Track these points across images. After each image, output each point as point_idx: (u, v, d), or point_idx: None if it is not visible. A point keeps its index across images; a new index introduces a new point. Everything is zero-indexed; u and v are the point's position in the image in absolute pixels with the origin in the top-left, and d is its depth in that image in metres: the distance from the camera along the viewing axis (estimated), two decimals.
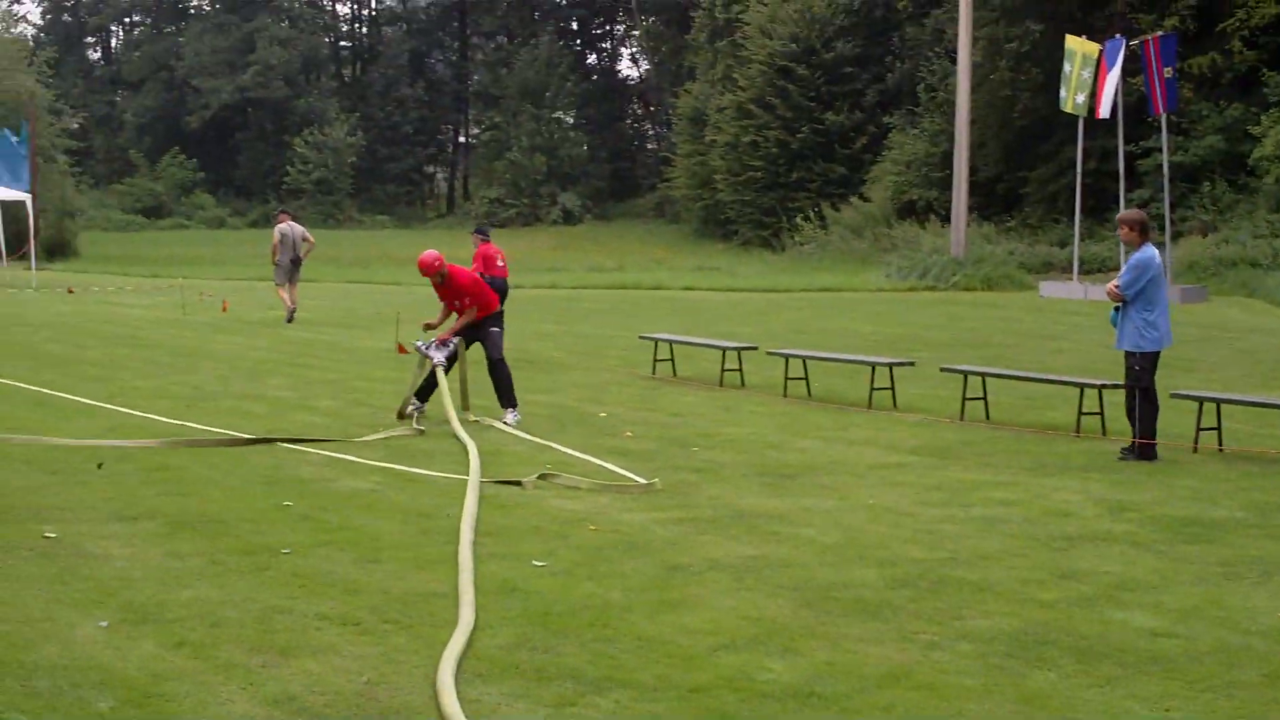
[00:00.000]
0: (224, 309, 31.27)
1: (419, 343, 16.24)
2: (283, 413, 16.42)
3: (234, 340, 24.98)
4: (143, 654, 7.41)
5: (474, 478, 12.09)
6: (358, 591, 8.67)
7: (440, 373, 15.73)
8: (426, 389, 15.92)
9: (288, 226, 29.37)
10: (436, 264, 16.01)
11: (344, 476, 12.50)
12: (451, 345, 15.98)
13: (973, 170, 44.95)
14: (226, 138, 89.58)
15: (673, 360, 20.55)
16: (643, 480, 12.31)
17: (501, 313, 17.26)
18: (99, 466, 12.51)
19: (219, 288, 39.19)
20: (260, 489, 11.85)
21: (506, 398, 15.86)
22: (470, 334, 16.23)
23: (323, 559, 9.47)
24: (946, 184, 46.58)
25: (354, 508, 11.18)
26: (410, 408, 15.75)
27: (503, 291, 24.32)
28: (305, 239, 29.60)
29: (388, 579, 8.98)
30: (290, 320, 28.23)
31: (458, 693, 6.81)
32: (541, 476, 12.35)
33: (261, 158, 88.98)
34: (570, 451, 13.87)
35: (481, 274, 23.69)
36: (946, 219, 45.76)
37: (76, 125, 64.27)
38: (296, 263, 29.26)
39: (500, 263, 24.16)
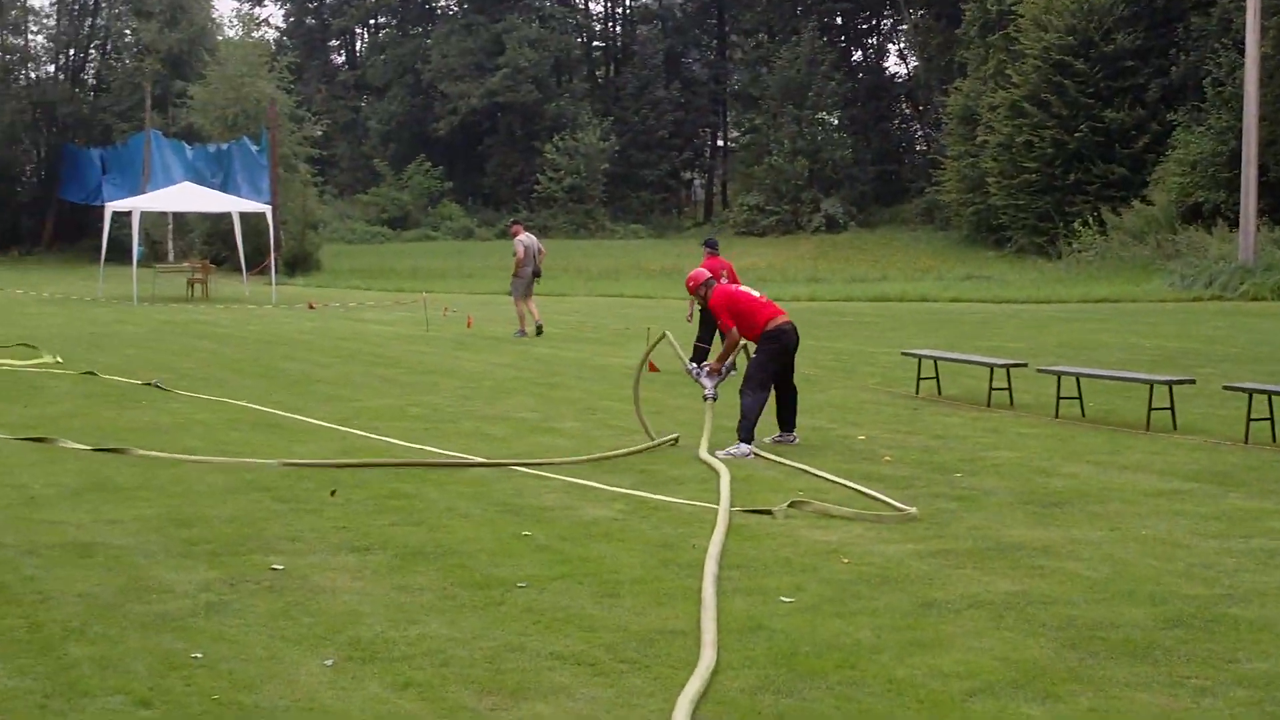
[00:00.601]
0: (468, 325, 31.93)
1: (691, 366, 16.30)
2: (524, 435, 16.66)
3: (477, 358, 25.48)
4: (367, 695, 7.56)
5: (724, 506, 12.09)
6: (594, 629, 8.72)
7: (709, 406, 15.67)
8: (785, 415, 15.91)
9: (529, 238, 29.99)
10: (690, 285, 16.28)
11: (586, 504, 12.61)
12: (725, 373, 15.90)
13: (1263, 170, 43.40)
14: (474, 144, 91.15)
15: (937, 378, 20.29)
16: (901, 506, 12.16)
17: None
18: (332, 494, 12.86)
19: (464, 302, 40.05)
20: (499, 517, 12.03)
21: (741, 429, 15.52)
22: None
23: (560, 593, 9.55)
24: (1235, 185, 45.02)
25: (595, 537, 11.27)
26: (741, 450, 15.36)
27: None
28: (541, 250, 30.24)
29: (626, 615, 9.01)
30: (539, 333, 28.87)
31: None
32: (793, 504, 12.29)
33: (510, 165, 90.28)
34: (826, 476, 13.78)
35: None
36: (1235, 223, 44.27)
37: (319, 133, 66.20)
38: (537, 274, 29.90)
39: (723, 278, 24.27)
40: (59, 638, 8.49)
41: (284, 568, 10.19)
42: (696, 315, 23.81)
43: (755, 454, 15.10)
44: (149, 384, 21.09)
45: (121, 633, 8.60)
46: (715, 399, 15.69)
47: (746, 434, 15.24)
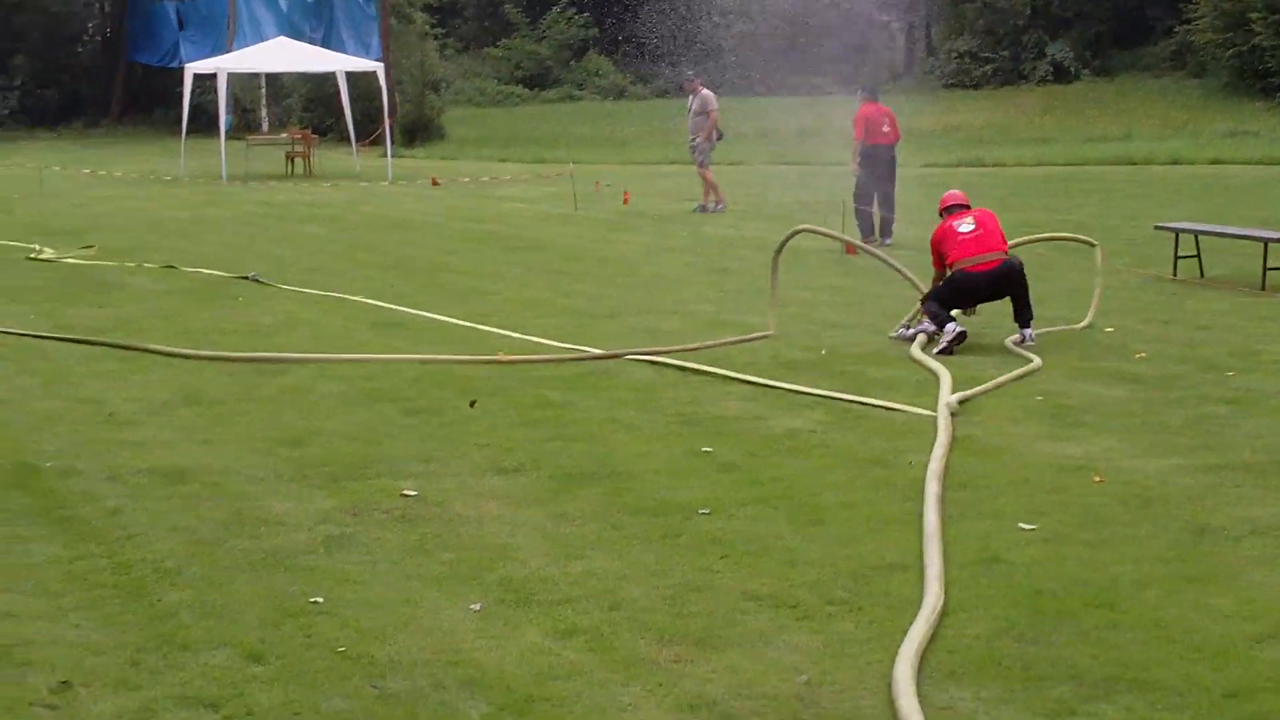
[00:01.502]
0: (625, 201, 31.94)
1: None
2: (699, 331, 16.63)
3: (638, 240, 25.50)
4: (524, 645, 7.60)
5: (943, 414, 12.00)
6: (794, 563, 8.70)
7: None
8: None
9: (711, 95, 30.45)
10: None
11: (777, 413, 12.58)
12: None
13: None
14: None
15: (1199, 256, 19.97)
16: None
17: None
18: (471, 404, 12.93)
19: (618, 174, 40.05)
20: (672, 429, 12.04)
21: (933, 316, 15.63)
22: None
23: (750, 521, 9.54)
24: None
25: (790, 453, 11.24)
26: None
27: (888, 163, 24.41)
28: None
29: (832, 547, 8.97)
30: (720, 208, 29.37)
31: (921, 696, 6.74)
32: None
33: (668, 11, 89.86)
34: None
35: (861, 141, 23.94)
36: None
37: None
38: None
39: (886, 128, 24.23)
40: (151, 581, 8.62)
41: (417, 493, 10.26)
42: None
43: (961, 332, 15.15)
44: (245, 278, 21.34)
45: (225, 574, 8.71)
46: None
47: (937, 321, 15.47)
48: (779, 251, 17.20)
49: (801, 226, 17.85)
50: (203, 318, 18.20)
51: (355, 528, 9.55)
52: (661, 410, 12.76)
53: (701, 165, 30.50)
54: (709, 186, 30.28)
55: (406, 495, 10.22)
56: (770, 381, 13.75)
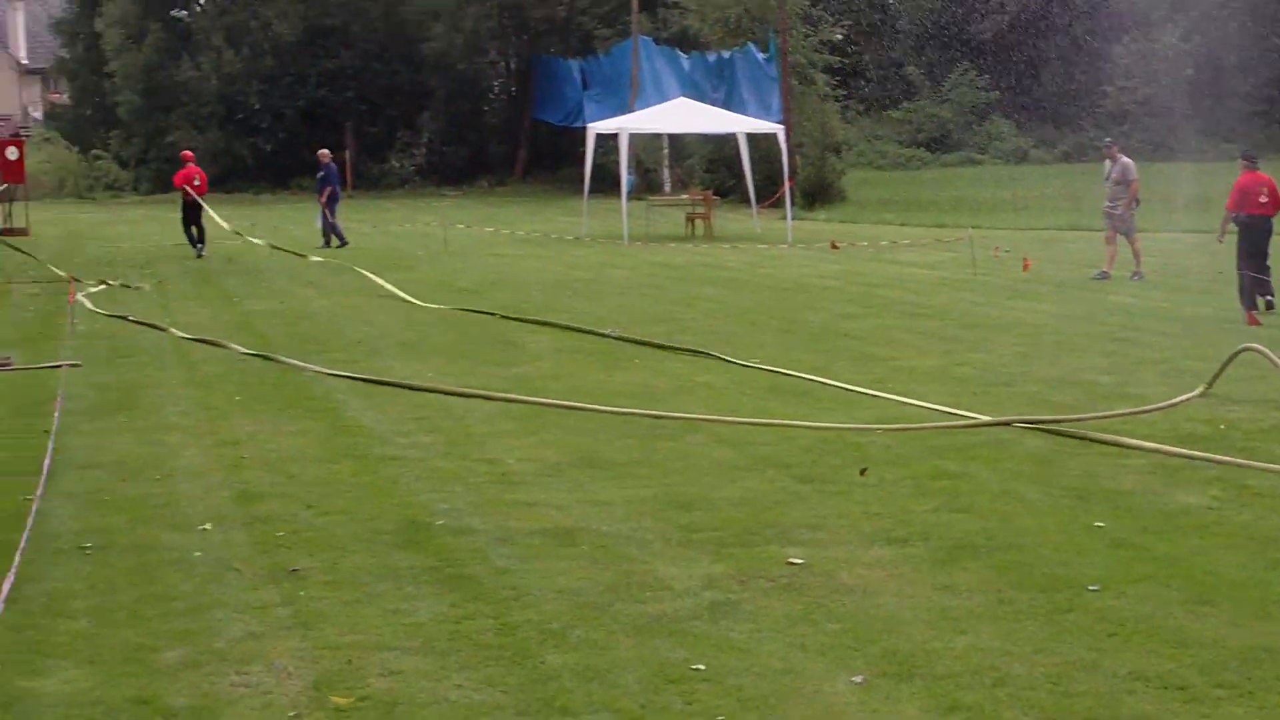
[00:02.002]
0: (1025, 267, 31.64)
1: None
2: (1095, 401, 16.42)
3: (1037, 307, 25.23)
4: (905, 719, 7.61)
5: None
6: (1184, 644, 8.58)
7: None
8: None
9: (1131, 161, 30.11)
10: None
11: (1172, 488, 12.39)
12: None
13: None
14: (1026, 48, 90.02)
15: None
16: None
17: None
18: (862, 473, 12.98)
19: (1018, 240, 39.67)
20: (1064, 503, 11.94)
21: None
22: None
23: (1141, 599, 9.42)
24: None
25: (1184, 530, 11.08)
26: None
27: (1262, 234, 23.60)
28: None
29: (1224, 628, 8.83)
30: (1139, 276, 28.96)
31: None
32: None
33: (1071, 73, 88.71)
34: None
35: (1234, 211, 23.32)
36: None
37: (839, 36, 66.42)
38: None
39: (1263, 198, 23.52)
40: (535, 643, 8.87)
41: (804, 562, 10.34)
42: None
43: None
44: (606, 334, 21.96)
45: (609, 637, 8.91)
46: None
47: None
48: (1219, 374, 16.80)
49: (1246, 346, 17.13)
50: (598, 378, 18.59)
51: (740, 595, 9.67)
52: (1055, 482, 12.65)
53: (1120, 233, 29.98)
54: (1134, 254, 29.75)
55: (793, 563, 10.30)
56: (1170, 449, 13.53)
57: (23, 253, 34.47)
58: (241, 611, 9.53)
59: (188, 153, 41.38)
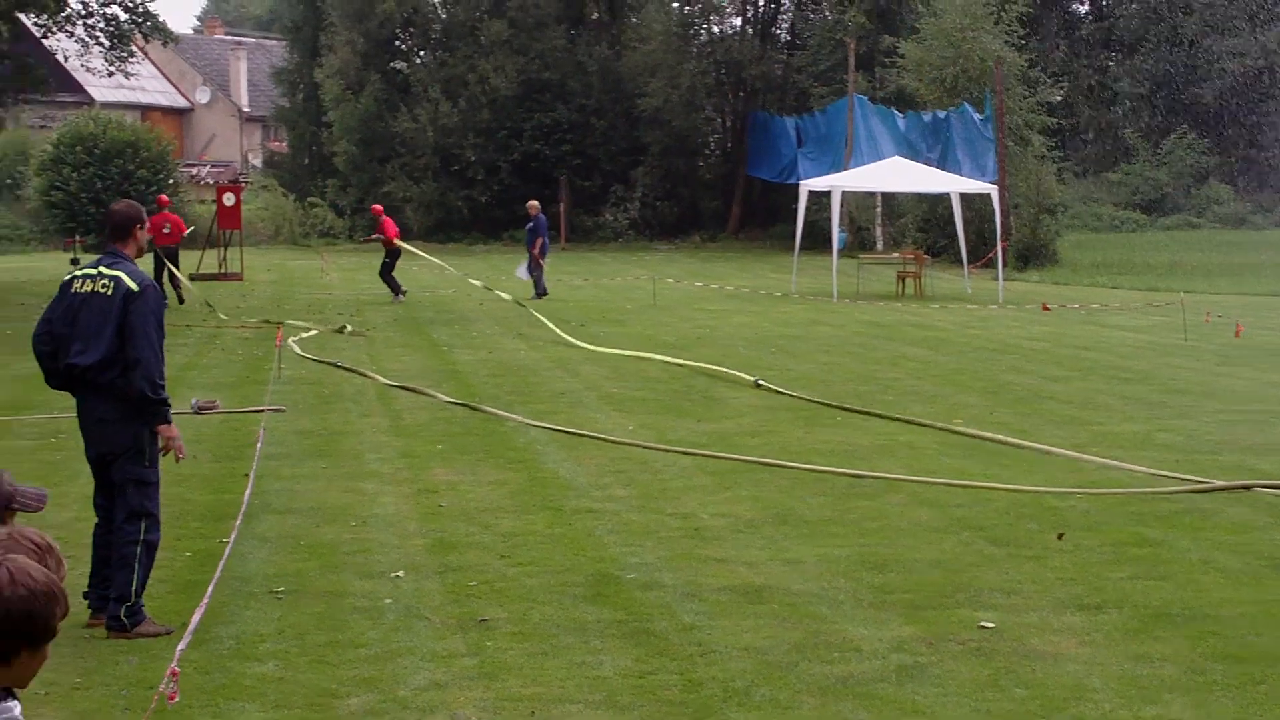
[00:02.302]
0: (1237, 334, 31.11)
1: None
2: None
3: (1247, 374, 24.78)
4: None
5: None
6: None
7: None
8: None
9: None
10: None
11: None
12: None
13: None
14: (1247, 112, 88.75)
15: None
16: None
17: None
18: (1059, 537, 12.83)
19: (1232, 305, 39.01)
20: (1265, 572, 11.76)
21: None
22: None
23: None
24: None
25: None
26: None
27: None
28: None
29: None
30: None
31: None
32: None
33: None
34: None
35: None
36: None
37: (1057, 98, 65.82)
38: None
39: None
40: (719, 700, 8.86)
41: (995, 626, 10.24)
42: None
43: None
44: (756, 384, 22.65)
45: (793, 697, 8.88)
46: None
47: None
48: None
49: None
50: (798, 435, 18.55)
51: (929, 658, 9.58)
52: (1257, 552, 12.43)
53: None
54: None
55: (984, 627, 10.20)
56: None
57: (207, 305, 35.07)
58: (427, 660, 9.61)
59: (378, 206, 42.26)
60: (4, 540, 5.11)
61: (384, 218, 39.42)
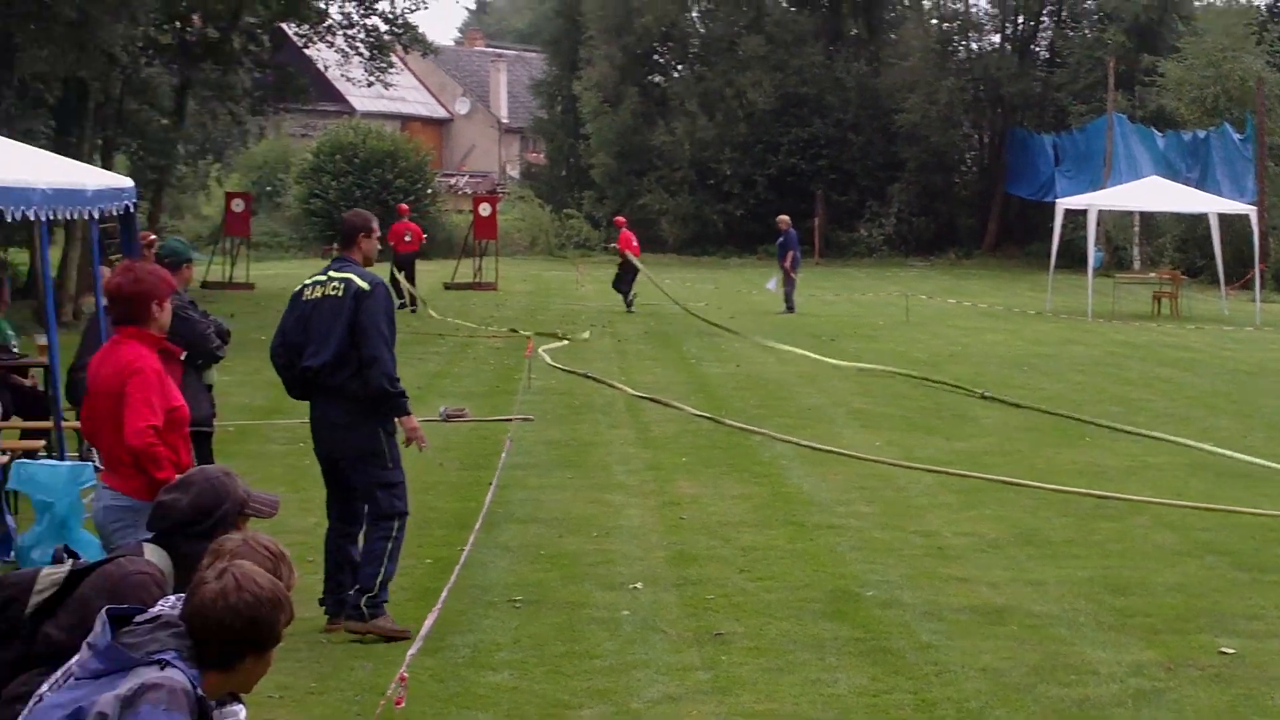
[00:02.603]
0: None
1: None
2: None
3: None
4: None
5: None
6: None
7: None
8: None
9: None
10: None
11: None
12: None
13: None
14: None
15: None
16: None
17: None
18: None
19: None
20: None
21: None
22: None
23: None
24: None
25: None
26: None
27: None
28: None
29: None
30: None
31: None
32: None
33: None
34: None
35: None
36: None
37: None
38: None
39: None
40: None
41: (1236, 652, 10.13)
42: None
43: None
44: (981, 395, 22.81)
45: (1028, 719, 8.80)
46: None
47: None
48: None
49: None
50: (1046, 455, 18.39)
51: (1168, 683, 9.50)
52: None
53: None
54: None
55: (1224, 653, 10.09)
56: None
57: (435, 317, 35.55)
58: (662, 673, 9.72)
59: (620, 218, 42.77)
60: (238, 547, 5.30)
61: (623, 230, 39.80)
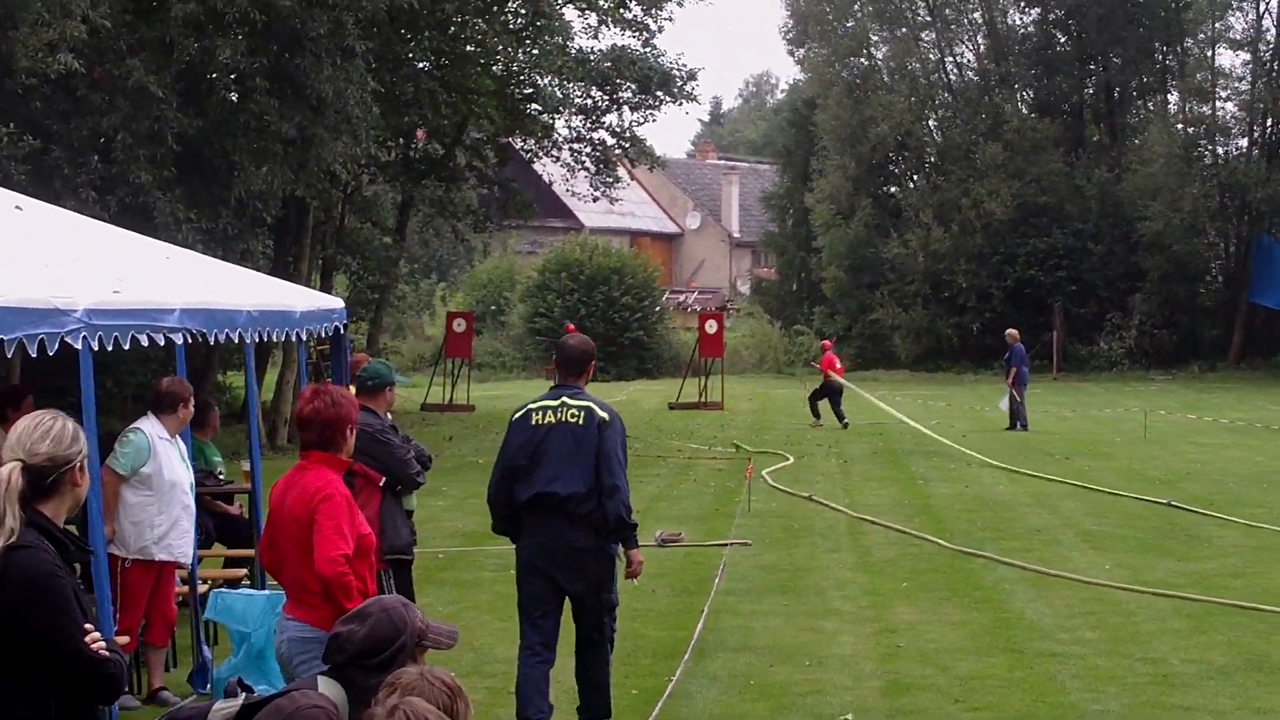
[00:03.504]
0: None
1: None
2: None
3: None
4: None
5: None
6: None
7: None
8: None
9: None
10: None
11: None
12: None
13: None
14: None
15: None
16: None
17: None
18: None
19: None
20: None
21: None
22: None
23: None
24: None
25: None
26: None
27: None
28: None
29: None
30: None
31: None
32: None
33: None
34: None
35: None
36: None
37: None
38: None
39: None
40: None
41: None
42: None
43: None
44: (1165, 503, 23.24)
45: None
46: None
47: None
48: None
49: None
50: None
51: None
52: None
53: None
54: None
55: None
56: None
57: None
58: None
59: (827, 341, 43.22)
60: (414, 681, 5.36)
61: (827, 352, 40.09)
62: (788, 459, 30.84)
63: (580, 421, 10.89)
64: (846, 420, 38.53)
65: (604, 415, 10.93)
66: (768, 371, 65.76)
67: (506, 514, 11.19)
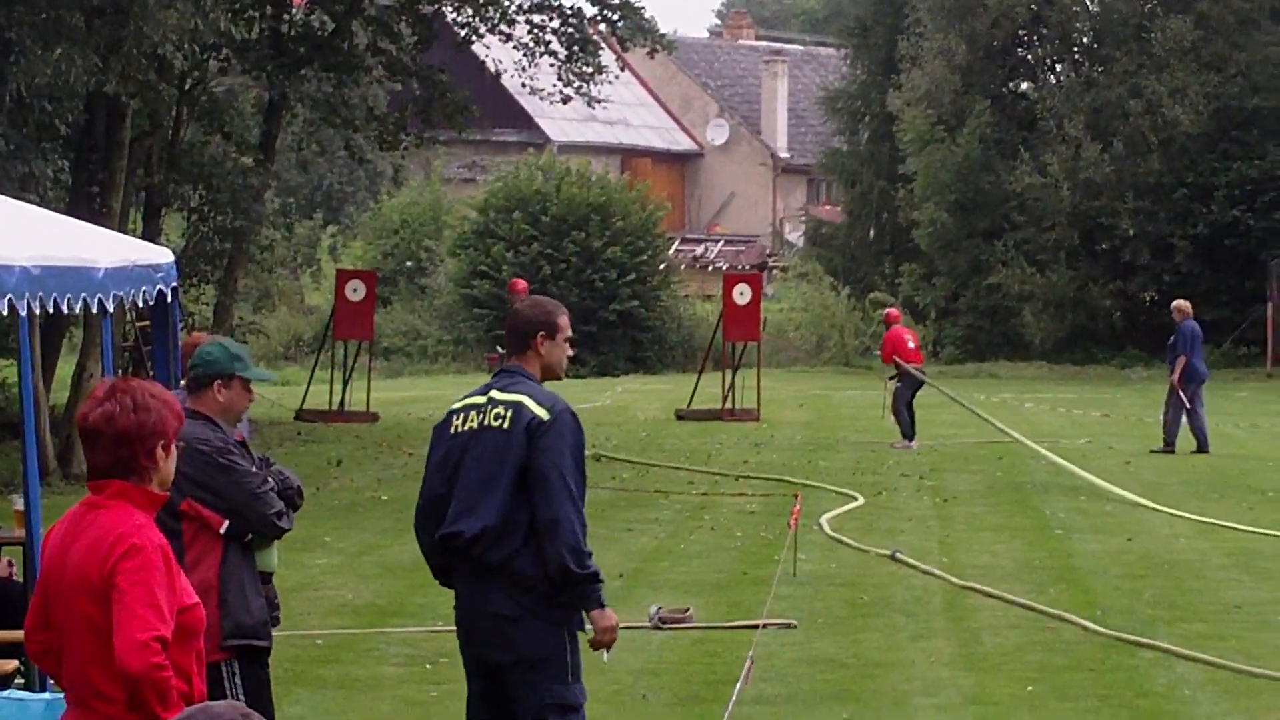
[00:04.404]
0: None
1: None
2: None
3: None
4: None
5: None
6: None
7: None
8: None
9: None
10: None
11: None
12: None
13: None
14: None
15: None
16: None
17: None
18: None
19: None
20: None
21: None
22: None
23: None
24: None
25: None
26: None
27: None
28: None
29: None
30: None
31: None
32: None
33: None
34: None
35: None
36: None
37: None
38: None
39: None
40: None
41: None
42: None
43: None
44: None
45: None
46: None
47: None
48: None
49: None
50: None
51: None
52: None
53: None
54: None
55: None
56: None
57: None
58: None
59: (893, 310, 42.78)
60: None
61: (893, 326, 39.56)
62: (856, 498, 30.71)
63: (504, 424, 10.82)
64: (912, 438, 38.47)
65: (539, 412, 10.81)
66: (829, 363, 65.27)
67: (438, 563, 11.16)
